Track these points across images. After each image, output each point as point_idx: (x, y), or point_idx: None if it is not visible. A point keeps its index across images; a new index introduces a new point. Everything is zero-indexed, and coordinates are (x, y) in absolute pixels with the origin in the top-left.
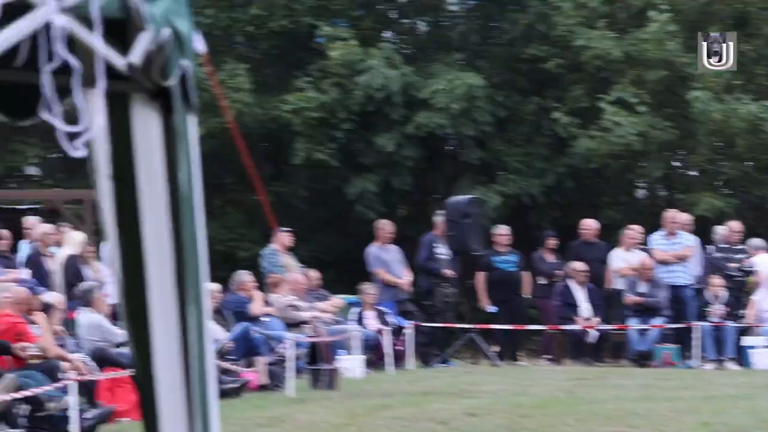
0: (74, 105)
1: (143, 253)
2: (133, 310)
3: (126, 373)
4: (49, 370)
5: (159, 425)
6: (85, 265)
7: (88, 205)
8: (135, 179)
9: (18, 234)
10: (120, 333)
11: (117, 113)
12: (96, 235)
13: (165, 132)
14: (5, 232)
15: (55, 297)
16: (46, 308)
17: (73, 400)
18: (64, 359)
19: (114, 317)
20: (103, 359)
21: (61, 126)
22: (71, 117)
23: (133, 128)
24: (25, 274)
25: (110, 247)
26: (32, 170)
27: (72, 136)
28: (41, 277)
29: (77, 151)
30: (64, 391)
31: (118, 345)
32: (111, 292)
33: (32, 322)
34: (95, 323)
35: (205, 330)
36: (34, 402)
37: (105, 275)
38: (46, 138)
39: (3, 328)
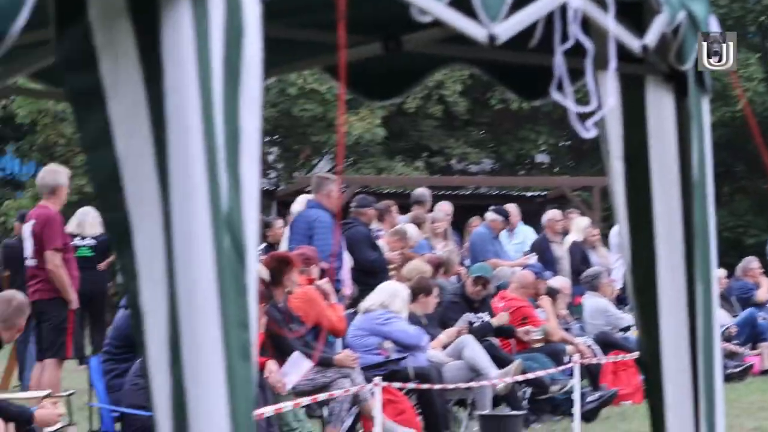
0: (585, 87)
1: (654, 234)
2: (642, 292)
3: (630, 356)
4: (554, 353)
5: (664, 407)
6: (592, 250)
7: (596, 192)
8: (647, 161)
9: (527, 221)
10: (625, 317)
11: (630, 95)
12: (604, 222)
13: (678, 115)
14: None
15: (561, 282)
16: (552, 293)
17: (576, 383)
18: (569, 343)
19: (619, 302)
20: (607, 343)
21: (572, 107)
22: (581, 99)
23: (646, 110)
24: (533, 259)
25: (620, 228)
26: (541, 157)
27: (583, 118)
28: (548, 263)
29: (588, 132)
30: (567, 374)
31: (623, 329)
32: (617, 278)
33: (538, 307)
34: (601, 308)
35: (714, 313)
36: (537, 384)
37: (611, 261)
38: (556, 125)
39: (509, 312)
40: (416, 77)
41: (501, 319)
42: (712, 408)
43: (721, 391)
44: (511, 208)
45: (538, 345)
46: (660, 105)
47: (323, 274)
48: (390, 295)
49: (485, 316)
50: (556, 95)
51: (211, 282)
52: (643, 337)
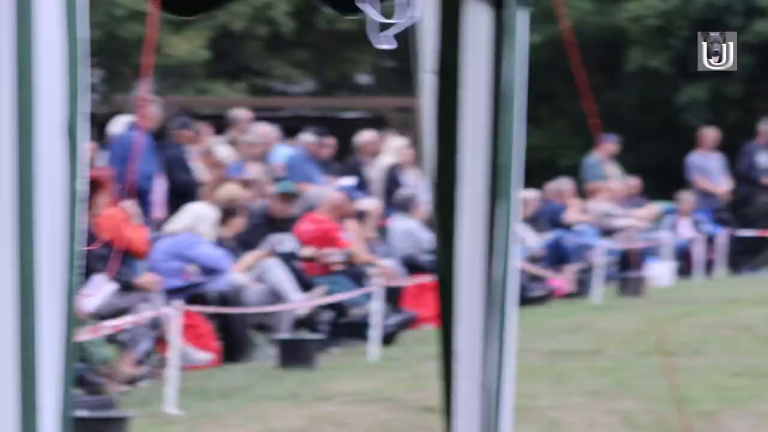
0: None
1: (457, 147)
2: (442, 207)
3: (431, 278)
4: (356, 276)
5: (453, 325)
6: (406, 172)
7: (415, 113)
8: (458, 73)
9: (344, 142)
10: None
11: (447, 8)
12: (420, 144)
13: (494, 26)
14: (330, 140)
15: (370, 204)
16: (360, 215)
17: (377, 306)
18: (373, 265)
19: (430, 225)
20: (412, 266)
21: (374, 17)
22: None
23: (462, 21)
24: (348, 181)
25: (426, 141)
26: (364, 79)
27: (384, 29)
28: (361, 184)
29: (385, 44)
30: (369, 297)
31: (430, 252)
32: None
33: (345, 229)
34: (408, 230)
35: (512, 227)
36: (339, 308)
37: (424, 183)
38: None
39: (315, 234)
40: None
41: (308, 252)
42: (503, 326)
43: (514, 310)
44: (264, 129)
45: (341, 268)
46: (476, 17)
47: (130, 195)
48: (195, 218)
49: (289, 239)
50: (361, 5)
51: None
52: (440, 254)
